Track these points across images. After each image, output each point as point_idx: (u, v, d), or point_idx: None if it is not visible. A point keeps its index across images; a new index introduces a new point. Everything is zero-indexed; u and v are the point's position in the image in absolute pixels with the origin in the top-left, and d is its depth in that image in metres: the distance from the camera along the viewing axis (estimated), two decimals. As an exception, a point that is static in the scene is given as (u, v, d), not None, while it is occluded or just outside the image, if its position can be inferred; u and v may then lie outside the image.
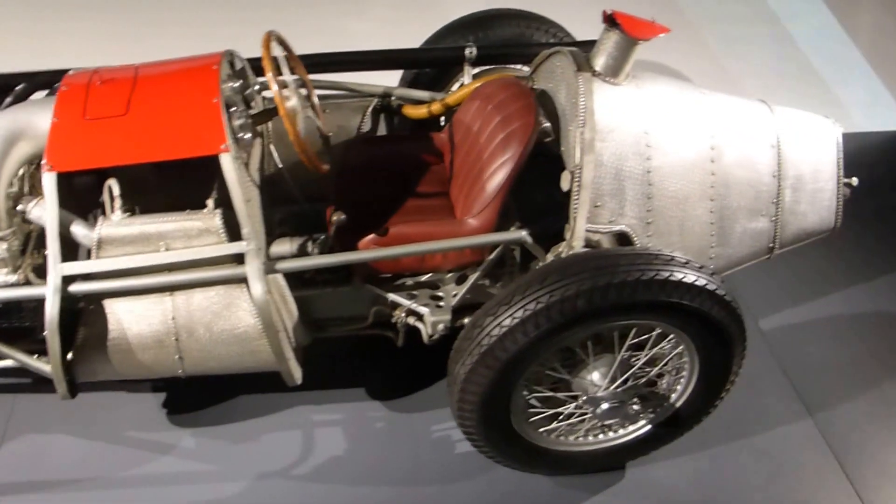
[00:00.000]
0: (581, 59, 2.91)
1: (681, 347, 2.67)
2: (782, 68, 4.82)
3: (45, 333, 2.54)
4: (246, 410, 3.10)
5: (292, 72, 3.01)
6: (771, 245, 3.09)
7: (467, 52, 3.28)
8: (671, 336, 2.64)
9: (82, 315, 2.63)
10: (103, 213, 2.68)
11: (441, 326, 2.85)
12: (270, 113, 2.84)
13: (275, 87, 2.63)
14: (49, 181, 2.51)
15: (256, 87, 2.99)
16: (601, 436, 2.92)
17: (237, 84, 2.75)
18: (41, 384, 2.91)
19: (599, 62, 2.87)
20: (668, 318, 2.53)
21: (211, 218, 2.59)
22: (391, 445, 3.03)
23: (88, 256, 2.64)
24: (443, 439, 3.04)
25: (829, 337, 3.50)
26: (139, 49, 3.52)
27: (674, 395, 2.83)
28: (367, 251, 2.77)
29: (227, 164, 2.54)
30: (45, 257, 2.61)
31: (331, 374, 3.23)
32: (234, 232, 2.68)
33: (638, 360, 2.68)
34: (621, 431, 2.92)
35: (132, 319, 2.64)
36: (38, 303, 2.58)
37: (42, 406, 3.02)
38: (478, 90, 3.13)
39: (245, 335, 2.69)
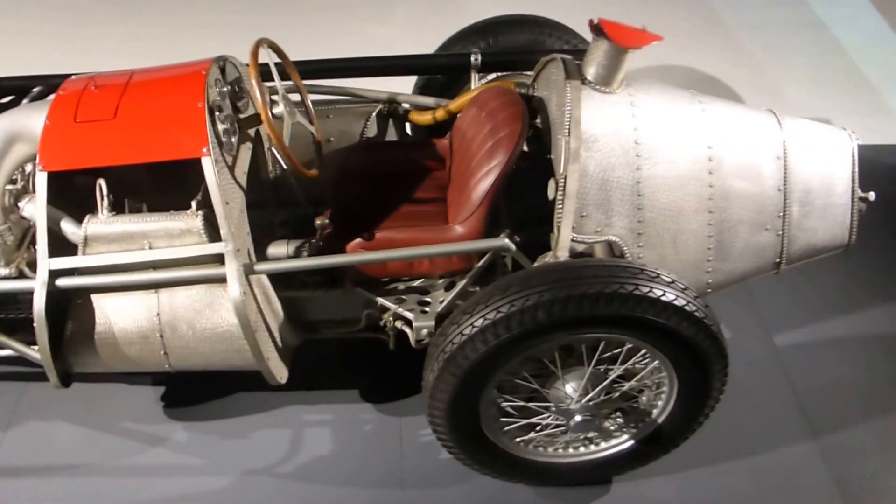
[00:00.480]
0: (572, 67, 2.86)
1: (655, 363, 2.60)
2: (829, 77, 4.61)
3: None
4: (240, 407, 3.17)
5: (283, 78, 3.08)
6: (777, 260, 2.97)
7: (472, 58, 3.27)
8: (643, 351, 2.57)
9: (71, 308, 2.75)
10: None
11: (425, 332, 2.85)
12: (258, 118, 2.90)
13: (257, 94, 2.69)
14: (40, 180, 2.62)
15: (282, 92, 3.06)
16: (582, 448, 2.87)
17: (226, 89, 2.82)
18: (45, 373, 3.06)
19: (590, 71, 2.82)
20: (634, 333, 2.47)
21: (192, 218, 2.65)
22: (377, 448, 3.04)
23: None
24: (428, 444, 3.02)
25: (844, 357, 3.35)
26: (169, 52, 3.65)
27: (655, 411, 2.75)
28: (347, 255, 2.79)
29: (208, 167, 2.60)
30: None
31: (325, 375, 3.27)
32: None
33: (612, 373, 2.62)
34: (603, 445, 2.86)
35: (118, 314, 2.74)
36: (32, 295, 2.71)
37: (48, 394, 3.13)
38: (476, 97, 3.12)
39: (228, 334, 2.74)
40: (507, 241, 2.72)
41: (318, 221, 2.78)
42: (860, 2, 4.63)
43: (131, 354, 2.80)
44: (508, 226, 2.88)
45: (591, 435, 2.81)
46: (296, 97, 3.04)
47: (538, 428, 2.77)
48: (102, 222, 2.67)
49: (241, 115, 2.91)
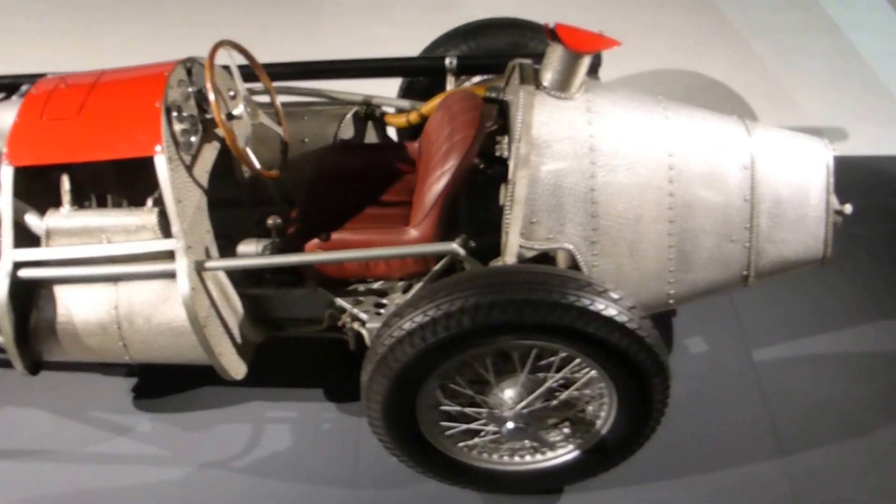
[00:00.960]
0: (528, 72, 2.84)
1: (592, 373, 2.56)
2: (843, 83, 4.43)
3: None
4: (206, 401, 3.23)
5: (249, 79, 3.12)
6: (745, 273, 2.88)
7: (448, 62, 3.26)
8: (578, 360, 2.53)
9: (35, 299, 2.85)
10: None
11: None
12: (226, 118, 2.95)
13: (212, 96, 2.74)
14: (6, 174, 2.72)
15: (231, 93, 3.12)
16: (528, 457, 2.83)
17: (191, 90, 2.88)
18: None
19: (546, 76, 2.79)
20: (564, 342, 2.42)
21: (148, 215, 2.72)
22: (334, 447, 3.07)
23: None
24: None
25: (823, 376, 3.23)
26: (171, 50, 3.75)
27: (599, 422, 2.70)
28: (299, 254, 2.83)
29: (160, 165, 2.66)
30: None
31: (292, 373, 3.31)
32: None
33: (548, 382, 2.57)
34: (550, 454, 2.82)
35: (78, 306, 2.82)
36: None
37: (23, 381, 3.17)
38: (442, 101, 3.11)
39: (181, 329, 2.80)
40: (455, 245, 2.71)
41: (269, 221, 2.83)
42: (879, 4, 4.40)
43: (92, 345, 2.89)
44: (468, 230, 2.88)
45: (533, 443, 2.78)
46: (267, 99, 3.11)
47: (482, 434, 2.76)
48: (63, 216, 2.77)
49: (208, 116, 2.98)
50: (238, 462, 3.02)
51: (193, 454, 3.06)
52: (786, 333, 3.37)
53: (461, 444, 2.78)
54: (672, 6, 4.03)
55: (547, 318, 2.33)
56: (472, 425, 2.68)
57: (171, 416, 3.19)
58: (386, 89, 3.50)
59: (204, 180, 2.87)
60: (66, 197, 2.78)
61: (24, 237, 2.79)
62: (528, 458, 2.83)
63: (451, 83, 3.32)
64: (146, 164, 2.74)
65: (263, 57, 3.14)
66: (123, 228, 2.75)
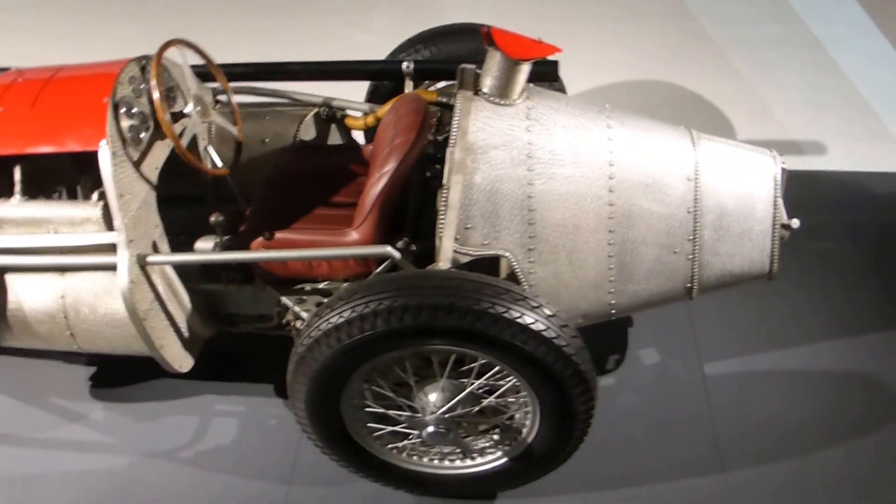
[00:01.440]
0: (469, 77, 2.85)
1: (513, 381, 2.56)
2: (824, 99, 4.37)
3: None
4: (160, 392, 3.30)
5: (207, 78, 3.19)
6: (689, 285, 2.87)
7: (404, 66, 3.28)
8: (498, 367, 2.52)
9: (-14, 286, 2.95)
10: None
11: None
12: (176, 116, 3.01)
13: (156, 95, 2.80)
14: None
15: (193, 91, 3.18)
16: (458, 462, 2.85)
17: (143, 87, 2.94)
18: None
19: (486, 82, 2.81)
20: (479, 349, 2.42)
21: (93, 208, 2.79)
22: (276, 442, 3.11)
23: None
24: (325, 444, 3.08)
25: (772, 394, 3.19)
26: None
27: (525, 430, 2.71)
28: (239, 252, 2.87)
29: (104, 160, 2.72)
30: None
31: (246, 368, 3.36)
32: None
33: (468, 388, 2.58)
34: (480, 460, 2.83)
35: (28, 294, 2.91)
36: None
37: None
38: (393, 105, 3.14)
39: (125, 320, 2.85)
40: (389, 248, 2.73)
41: (212, 218, 2.87)
42: (861, 20, 4.32)
43: (42, 332, 2.97)
44: (413, 233, 2.91)
45: (456, 448, 2.80)
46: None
47: (410, 436, 2.78)
48: (12, 206, 2.85)
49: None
50: (182, 453, 3.09)
51: (140, 444, 3.13)
52: (741, 349, 3.34)
53: (390, 446, 2.81)
54: (650, 18, 4.00)
55: (459, 324, 2.33)
56: (398, 428, 2.71)
57: (124, 405, 3.27)
58: (355, 92, 3.55)
59: (153, 176, 2.93)
60: (17, 187, 2.87)
61: None
62: (457, 462, 2.85)
63: (409, 88, 3.35)
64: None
65: (247, 59, 3.19)
66: (69, 220, 2.82)
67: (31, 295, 2.90)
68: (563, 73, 3.92)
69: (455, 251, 2.68)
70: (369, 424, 2.72)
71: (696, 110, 4.12)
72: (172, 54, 3.00)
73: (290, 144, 3.43)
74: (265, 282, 3.02)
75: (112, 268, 2.81)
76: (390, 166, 2.81)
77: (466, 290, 2.36)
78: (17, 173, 2.87)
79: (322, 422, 2.66)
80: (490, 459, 2.81)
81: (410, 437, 2.75)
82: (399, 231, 2.92)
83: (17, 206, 2.84)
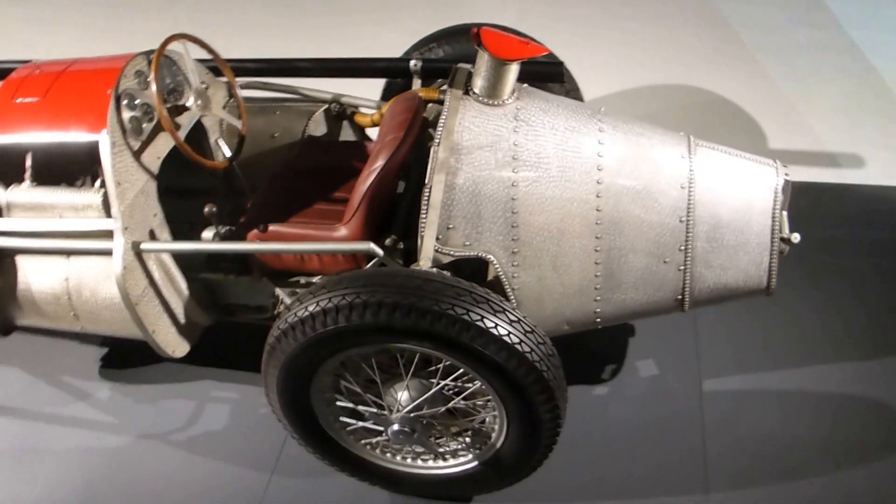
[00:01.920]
0: (461, 76, 2.84)
1: (477, 384, 2.53)
2: (862, 108, 4.13)
3: None
4: (162, 376, 3.40)
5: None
6: (679, 297, 2.78)
7: (412, 64, 3.30)
8: (462, 370, 2.50)
9: (1, 266, 3.09)
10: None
11: None
12: (180, 109, 3.10)
13: (153, 88, 2.88)
14: None
15: (204, 85, 3.27)
16: (431, 462, 2.84)
17: (147, 80, 3.03)
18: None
19: (477, 83, 2.78)
20: (442, 351, 2.41)
21: (94, 195, 2.90)
22: (265, 432, 3.15)
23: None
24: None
25: (768, 414, 3.07)
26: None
27: (494, 435, 2.68)
28: (229, 243, 2.93)
29: (103, 149, 2.83)
30: None
31: (247, 357, 3.38)
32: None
33: (434, 388, 2.57)
34: (452, 461, 2.81)
35: (35, 275, 3.04)
36: None
37: (9, 342, 3.44)
38: (391, 103, 3.15)
39: (121, 304, 2.97)
40: (372, 244, 2.74)
41: (206, 210, 2.94)
42: (904, 25, 4.09)
43: (48, 312, 3.10)
44: (400, 231, 2.91)
45: (421, 449, 2.80)
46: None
47: (382, 433, 2.78)
48: (22, 191, 2.98)
49: (167, 105, 3.13)
50: (174, 436, 3.18)
51: (137, 425, 3.25)
52: (744, 365, 3.22)
53: (363, 442, 2.82)
54: (680, 20, 3.88)
55: (417, 325, 2.33)
56: (367, 424, 2.72)
57: (127, 386, 3.40)
58: (371, 90, 3.58)
59: (154, 166, 3.01)
60: (27, 173, 3.01)
61: None
62: (430, 462, 2.85)
63: (416, 86, 3.36)
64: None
65: (276, 55, 3.26)
66: (73, 206, 2.94)
67: (39, 276, 3.04)
68: (588, 75, 3.87)
69: (437, 251, 2.67)
70: (342, 419, 2.75)
71: (726, 117, 3.98)
72: (182, 49, 3.10)
73: (298, 140, 3.50)
74: (262, 273, 3.08)
75: (110, 253, 2.92)
76: (378, 164, 2.82)
77: (427, 291, 2.35)
78: (29, 160, 3.01)
79: (294, 413, 2.69)
80: (462, 462, 2.79)
81: (382, 434, 2.77)
82: (392, 228, 2.94)
83: (26, 192, 2.98)
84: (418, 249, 2.70)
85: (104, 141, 2.83)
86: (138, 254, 2.91)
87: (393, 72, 3.39)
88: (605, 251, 2.73)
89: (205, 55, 3.19)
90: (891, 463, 2.87)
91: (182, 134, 3.01)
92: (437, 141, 2.70)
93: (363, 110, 3.50)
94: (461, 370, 2.51)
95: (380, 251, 2.74)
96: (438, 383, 2.56)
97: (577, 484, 2.93)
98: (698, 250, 2.74)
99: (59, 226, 2.95)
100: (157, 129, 3.06)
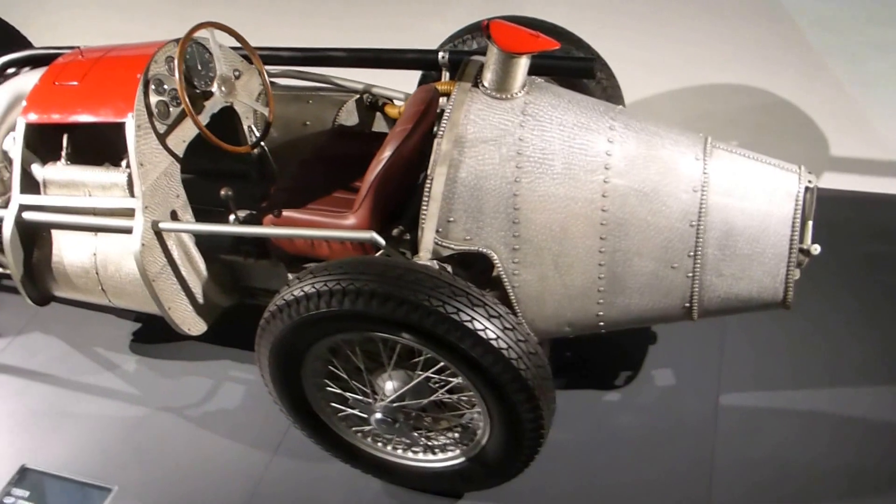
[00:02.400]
0: (472, 69, 2.81)
1: (459, 378, 2.49)
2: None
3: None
4: (187, 353, 3.52)
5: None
6: (687, 305, 2.67)
7: (440, 56, 3.26)
8: (443, 362, 2.47)
9: (37, 240, 3.25)
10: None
11: None
12: (206, 95, 3.18)
13: (177, 74, 2.96)
14: (20, 126, 3.14)
15: (237, 73, 3.35)
16: (420, 454, 2.82)
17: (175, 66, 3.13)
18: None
19: (487, 75, 2.73)
20: (419, 342, 2.39)
21: (120, 174, 3.02)
22: (274, 414, 3.08)
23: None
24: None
25: (786, 434, 2.89)
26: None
27: (479, 432, 2.63)
28: (241, 226, 3.00)
29: (129, 130, 2.93)
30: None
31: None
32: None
33: (416, 380, 2.55)
34: (441, 456, 2.79)
35: (67, 249, 3.19)
36: None
37: (54, 314, 3.71)
38: (411, 95, 3.14)
39: (140, 280, 3.09)
40: (373, 234, 2.74)
41: (222, 192, 3.01)
42: None
43: (79, 285, 3.25)
44: (409, 222, 2.90)
45: (407, 440, 2.78)
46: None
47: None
48: (57, 169, 3.14)
49: (197, 91, 3.21)
50: (188, 411, 3.29)
51: (157, 398, 3.37)
52: (766, 382, 3.06)
53: (354, 429, 2.83)
54: (743, 17, 3.67)
55: (393, 314, 2.32)
56: (354, 411, 2.73)
57: (152, 361, 3.53)
58: (409, 81, 3.58)
59: (179, 149, 3.11)
60: (63, 152, 3.16)
61: (31, 185, 3.19)
62: (420, 455, 2.83)
63: (445, 78, 3.33)
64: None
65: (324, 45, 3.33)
66: (101, 185, 3.07)
67: (70, 250, 3.19)
68: (636, 73, 3.76)
69: (436, 243, 2.65)
70: (333, 404, 2.77)
71: (785, 121, 3.77)
72: (215, 36, 3.18)
73: (329, 128, 3.54)
74: (278, 258, 3.14)
75: (132, 231, 3.04)
76: (386, 154, 2.82)
77: (406, 281, 2.34)
78: (65, 140, 3.16)
79: (286, 394, 2.74)
80: (451, 457, 2.77)
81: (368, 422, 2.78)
82: (403, 219, 2.93)
83: (60, 170, 3.13)
84: (418, 241, 2.70)
85: (129, 123, 2.95)
86: (157, 233, 3.02)
87: (422, 63, 3.37)
88: (609, 253, 2.63)
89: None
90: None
91: (204, 119, 3.10)
92: (441, 133, 2.67)
93: (395, 102, 3.52)
94: (442, 363, 2.49)
95: (381, 241, 2.74)
96: (420, 375, 2.55)
97: (572, 489, 2.86)
98: (709, 257, 2.61)
99: (88, 203, 3.09)
100: (184, 113, 3.17)
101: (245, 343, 3.40)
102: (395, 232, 2.86)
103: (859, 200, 3.69)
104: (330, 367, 2.66)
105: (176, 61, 2.98)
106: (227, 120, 3.41)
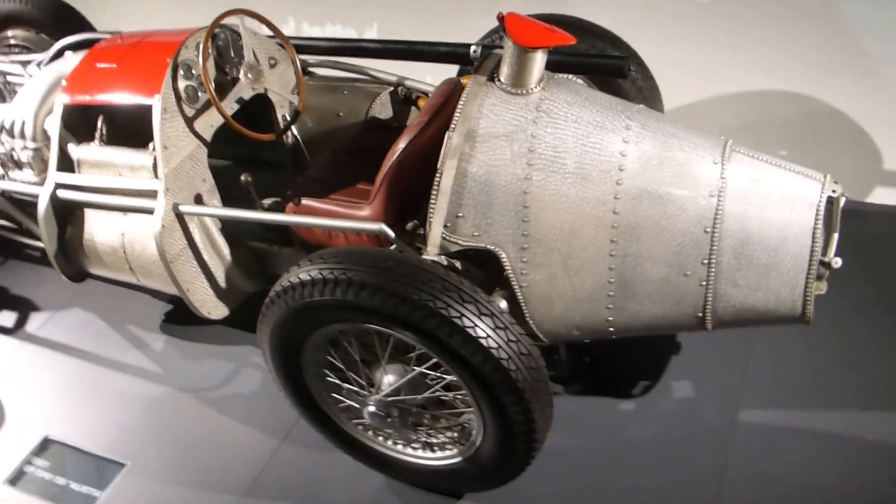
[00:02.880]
0: (490, 63, 2.76)
1: (452, 376, 2.45)
2: None
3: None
4: (213, 336, 3.58)
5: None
6: (700, 314, 2.57)
7: (472, 50, 3.22)
8: (436, 358, 2.43)
9: (70, 217, 3.36)
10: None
11: None
12: (235, 82, 3.22)
13: (201, 60, 3.01)
14: (58, 105, 3.25)
15: (273, 61, 3.39)
16: (420, 451, 2.79)
17: (210, 52, 3.17)
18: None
19: (503, 70, 2.68)
20: (410, 336, 2.36)
21: (147, 156, 3.09)
22: (285, 402, 3.18)
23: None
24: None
25: (803, 454, 2.75)
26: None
27: (474, 433, 2.58)
28: (250, 211, 3.04)
29: (155, 111, 3.01)
30: None
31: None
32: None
33: (410, 375, 2.52)
34: (439, 454, 2.75)
35: (98, 228, 3.29)
36: None
37: (95, 291, 3.83)
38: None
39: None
40: (383, 226, 2.73)
41: (242, 178, 3.04)
42: None
43: (109, 263, 3.35)
44: (423, 215, 2.88)
45: (399, 436, 2.77)
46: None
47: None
48: (90, 149, 3.24)
49: (228, 77, 3.26)
50: (206, 393, 3.35)
51: (179, 378, 3.45)
52: (790, 400, 2.92)
53: (355, 421, 2.82)
54: (796, 22, 3.50)
55: (382, 306, 2.30)
56: (350, 402, 2.72)
57: (179, 342, 3.61)
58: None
59: (207, 134, 3.16)
60: (97, 133, 3.25)
61: (67, 164, 3.31)
62: (419, 452, 2.80)
63: (476, 71, 3.30)
64: None
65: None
66: (129, 166, 3.15)
67: (101, 229, 3.29)
68: (682, 76, 3.65)
69: (444, 238, 2.63)
70: (333, 395, 2.77)
71: (836, 132, 3.59)
72: (251, 23, 3.22)
73: (361, 120, 3.55)
74: (299, 246, 3.16)
75: (151, 211, 3.10)
76: (401, 145, 2.82)
77: (397, 273, 2.32)
78: (100, 122, 3.26)
79: (287, 381, 2.75)
80: (448, 456, 2.73)
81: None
82: (419, 212, 2.92)
83: (92, 150, 3.24)
84: (426, 235, 2.68)
85: (156, 105, 3.02)
86: (179, 215, 3.08)
87: (454, 57, 3.34)
88: (620, 256, 2.56)
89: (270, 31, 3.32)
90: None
91: (230, 105, 3.15)
92: (453, 126, 2.64)
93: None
94: (435, 359, 2.46)
95: (390, 233, 2.73)
96: (414, 370, 2.52)
97: (576, 495, 2.79)
98: (724, 266, 2.51)
99: (117, 183, 3.18)
100: (220, 99, 3.22)
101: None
102: (409, 226, 2.85)
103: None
104: (328, 357, 2.67)
105: (202, 47, 3.04)
106: (261, 108, 3.47)
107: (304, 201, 3.03)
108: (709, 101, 3.84)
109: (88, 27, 4.44)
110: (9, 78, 3.82)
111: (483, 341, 2.28)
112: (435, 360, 2.46)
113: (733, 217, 2.49)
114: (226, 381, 3.38)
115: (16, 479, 3.17)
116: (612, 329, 2.68)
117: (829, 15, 3.49)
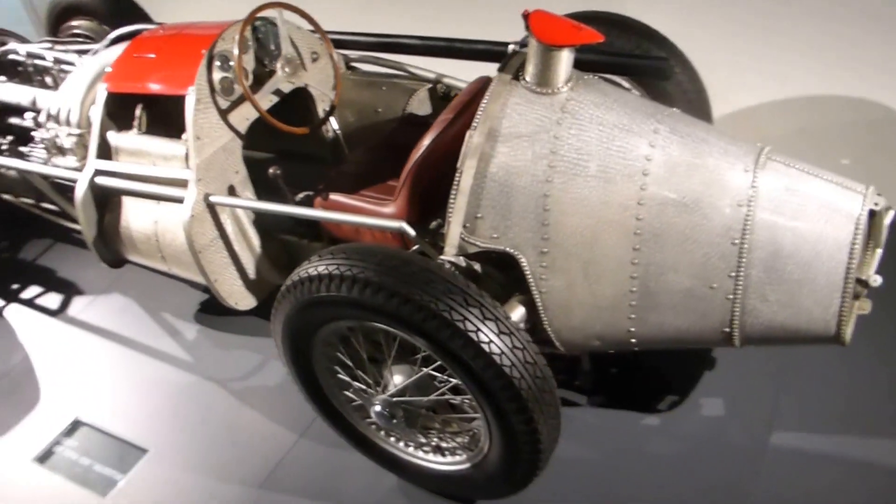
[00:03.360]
0: (515, 61, 2.67)
1: (456, 381, 2.38)
2: None
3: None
4: (244, 328, 3.60)
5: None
6: (727, 329, 2.44)
7: (510, 48, 3.14)
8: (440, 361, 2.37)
9: (108, 203, 3.41)
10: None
11: None
12: (272, 74, 3.22)
13: (236, 51, 3.01)
14: (100, 93, 3.31)
15: (315, 55, 3.37)
16: (431, 455, 2.73)
17: (249, 44, 3.16)
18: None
19: (528, 69, 2.60)
20: (413, 337, 2.31)
21: (181, 146, 3.11)
22: None
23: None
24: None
25: (830, 480, 2.58)
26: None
27: (482, 439, 2.51)
28: (275, 204, 3.04)
29: (188, 103, 3.02)
30: None
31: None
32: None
33: (416, 376, 2.46)
34: (450, 459, 2.69)
35: (133, 215, 3.35)
36: None
37: (135, 277, 3.89)
38: (467, 86, 3.05)
39: None
40: (403, 224, 2.68)
41: (270, 171, 3.04)
42: None
43: (143, 250, 3.39)
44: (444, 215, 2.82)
45: (406, 437, 2.73)
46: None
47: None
48: (127, 138, 3.28)
49: (266, 70, 3.26)
50: (231, 384, 3.37)
51: (207, 367, 3.48)
52: (819, 425, 2.75)
53: (366, 420, 2.78)
54: (862, 24, 3.30)
55: (385, 305, 2.25)
56: (358, 401, 2.68)
57: (211, 332, 3.65)
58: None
59: (241, 126, 3.17)
60: (136, 122, 3.30)
61: (107, 151, 3.36)
62: (430, 456, 2.74)
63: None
64: None
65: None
66: (163, 156, 3.18)
67: (136, 216, 3.34)
68: (737, 79, 3.50)
69: (463, 239, 2.56)
70: (345, 392, 2.73)
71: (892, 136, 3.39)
72: (289, 17, 3.21)
73: (398, 116, 3.51)
74: (329, 241, 3.14)
75: (181, 200, 3.13)
76: (425, 142, 2.77)
77: (402, 273, 2.27)
78: (138, 110, 3.30)
79: (299, 374, 2.73)
80: (458, 462, 2.67)
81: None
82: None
83: (130, 138, 3.28)
84: (445, 235, 2.62)
85: (189, 96, 3.04)
86: (209, 206, 3.10)
87: (492, 55, 3.26)
88: (642, 265, 2.44)
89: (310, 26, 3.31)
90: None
91: (264, 97, 3.14)
92: (475, 125, 2.57)
93: (465, 92, 3.45)
94: (440, 362, 2.40)
95: (411, 231, 2.68)
96: (420, 371, 2.47)
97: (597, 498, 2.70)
98: (753, 280, 2.37)
99: (151, 172, 3.22)
100: (252, 91, 3.23)
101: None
102: (433, 224, 2.79)
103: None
104: (338, 354, 2.64)
105: (236, 39, 3.04)
106: (303, 102, 3.47)
107: (332, 196, 3.01)
108: (762, 107, 3.66)
109: (146, 19, 4.53)
110: (63, 67, 3.94)
111: (485, 346, 2.21)
112: (440, 362, 2.41)
113: (764, 228, 2.35)
114: (252, 373, 3.40)
115: (44, 457, 3.25)
116: (634, 340, 2.57)
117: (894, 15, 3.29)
